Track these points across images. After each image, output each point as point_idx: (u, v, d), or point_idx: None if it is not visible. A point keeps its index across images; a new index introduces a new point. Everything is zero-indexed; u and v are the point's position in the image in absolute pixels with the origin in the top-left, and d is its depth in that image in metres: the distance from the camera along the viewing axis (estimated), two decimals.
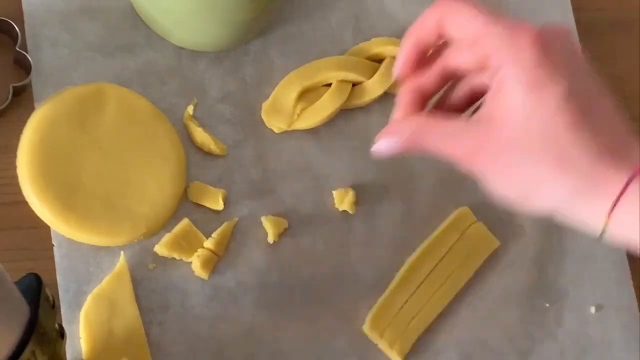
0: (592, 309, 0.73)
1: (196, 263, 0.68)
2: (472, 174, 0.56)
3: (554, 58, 0.55)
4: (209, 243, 0.68)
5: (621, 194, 0.53)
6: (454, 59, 0.58)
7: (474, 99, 0.60)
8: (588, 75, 0.57)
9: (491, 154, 0.55)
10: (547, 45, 0.55)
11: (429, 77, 0.59)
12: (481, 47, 0.56)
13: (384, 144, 0.58)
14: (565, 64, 0.55)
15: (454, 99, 0.60)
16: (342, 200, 0.71)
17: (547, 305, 0.73)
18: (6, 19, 0.69)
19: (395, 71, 0.60)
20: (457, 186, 0.74)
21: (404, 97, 0.59)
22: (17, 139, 0.67)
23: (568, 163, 0.54)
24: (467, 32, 0.57)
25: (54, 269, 0.66)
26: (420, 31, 0.59)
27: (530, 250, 0.74)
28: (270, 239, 0.70)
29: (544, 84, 0.54)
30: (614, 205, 0.53)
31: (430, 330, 0.70)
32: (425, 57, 0.59)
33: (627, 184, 0.53)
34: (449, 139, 0.56)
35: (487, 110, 0.56)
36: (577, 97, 0.55)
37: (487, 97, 0.56)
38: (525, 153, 0.54)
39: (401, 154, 0.58)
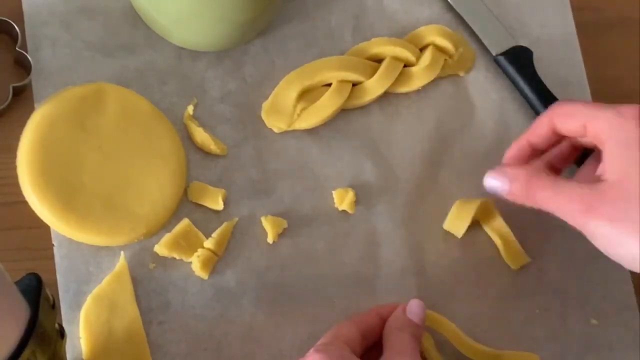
0: (593, 310, 0.73)
1: (196, 263, 0.68)
2: (583, 230, 0.61)
3: None
4: (209, 243, 0.68)
5: None
6: (564, 126, 0.64)
7: (570, 159, 0.68)
8: None
9: (608, 212, 0.60)
10: None
11: (540, 136, 0.66)
12: (591, 128, 0.62)
13: (494, 183, 0.65)
14: None
15: (553, 157, 0.68)
16: (342, 200, 0.71)
17: (549, 305, 0.73)
18: (6, 19, 0.69)
19: (504, 159, 0.68)
20: (457, 185, 0.74)
21: (513, 148, 0.67)
22: (17, 139, 0.67)
23: None
24: (576, 123, 0.64)
25: (54, 269, 0.66)
26: (534, 132, 0.66)
27: (531, 251, 0.74)
28: (270, 239, 0.70)
29: None
30: None
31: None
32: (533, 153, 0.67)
33: None
34: (560, 195, 0.62)
35: (597, 175, 0.62)
36: None
37: (602, 163, 0.62)
38: None
39: (507, 199, 0.65)
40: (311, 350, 0.62)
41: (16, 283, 0.55)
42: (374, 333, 0.66)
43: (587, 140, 0.64)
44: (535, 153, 0.67)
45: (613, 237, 0.60)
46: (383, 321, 0.66)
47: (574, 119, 0.64)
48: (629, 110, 0.61)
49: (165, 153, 0.69)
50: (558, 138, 0.66)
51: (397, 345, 0.63)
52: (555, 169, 0.68)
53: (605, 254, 0.61)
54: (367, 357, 0.65)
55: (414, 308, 0.66)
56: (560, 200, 0.62)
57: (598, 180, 0.61)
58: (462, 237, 0.72)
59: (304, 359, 0.62)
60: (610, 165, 0.61)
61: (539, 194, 0.63)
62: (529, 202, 0.64)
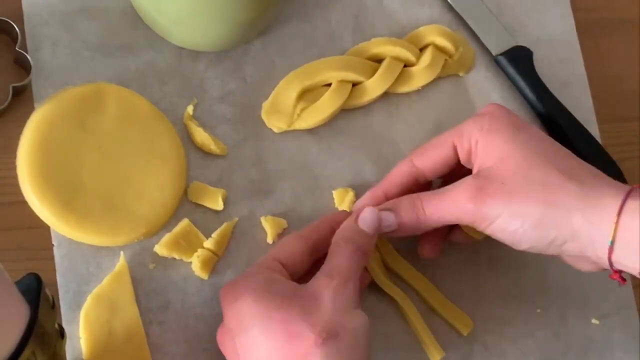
0: (593, 310, 0.73)
1: (196, 263, 0.68)
2: (478, 220, 0.61)
3: (517, 116, 0.65)
4: (208, 243, 0.68)
5: (624, 201, 0.58)
6: (426, 161, 0.66)
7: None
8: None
9: (499, 189, 0.61)
10: (505, 108, 0.65)
11: (399, 183, 0.67)
12: (460, 141, 0.64)
13: (382, 221, 0.64)
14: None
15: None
16: (342, 200, 0.71)
17: (549, 305, 0.73)
18: (6, 19, 0.69)
19: (354, 207, 0.68)
20: None
21: (367, 198, 0.67)
22: (17, 139, 0.67)
23: (575, 176, 0.60)
24: (441, 152, 0.66)
25: (54, 269, 0.66)
26: (391, 181, 0.67)
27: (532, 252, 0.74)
28: (270, 239, 0.70)
29: (524, 126, 0.63)
30: (620, 211, 0.58)
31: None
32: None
33: (628, 195, 0.58)
34: (446, 196, 0.63)
35: (477, 164, 0.63)
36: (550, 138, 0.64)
37: (479, 157, 0.63)
38: (536, 174, 0.61)
39: (397, 231, 0.64)
40: (227, 283, 0.62)
41: (16, 283, 0.55)
42: (325, 244, 0.64)
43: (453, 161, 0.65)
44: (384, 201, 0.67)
45: (512, 213, 0.60)
46: (333, 230, 0.65)
47: (438, 147, 0.65)
48: (487, 109, 0.65)
49: (165, 153, 0.69)
50: (413, 184, 0.66)
51: (334, 261, 0.62)
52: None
53: (501, 239, 0.62)
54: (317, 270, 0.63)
55: (367, 215, 0.64)
56: (449, 200, 0.63)
57: (477, 172, 0.63)
58: None
59: (233, 281, 0.62)
60: (484, 155, 0.62)
61: (427, 209, 0.63)
62: (421, 223, 0.64)
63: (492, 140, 0.63)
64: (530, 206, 0.60)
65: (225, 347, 0.62)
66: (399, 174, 0.67)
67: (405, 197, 0.65)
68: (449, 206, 0.63)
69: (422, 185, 0.67)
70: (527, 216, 0.60)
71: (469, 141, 0.64)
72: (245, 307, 0.60)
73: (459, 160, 0.65)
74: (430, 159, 0.66)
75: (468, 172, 0.65)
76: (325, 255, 0.63)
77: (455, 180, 0.64)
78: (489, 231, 0.62)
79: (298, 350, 0.57)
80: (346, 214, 0.67)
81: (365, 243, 0.63)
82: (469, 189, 0.61)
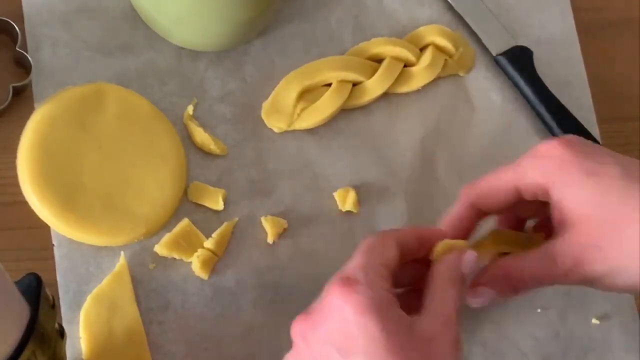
0: (593, 311, 0.73)
1: (196, 263, 0.68)
2: (583, 283, 0.58)
3: (586, 150, 0.58)
4: (209, 243, 0.68)
5: None
6: (489, 206, 0.61)
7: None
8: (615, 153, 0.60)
9: (596, 255, 0.57)
10: (572, 142, 0.59)
11: (463, 224, 0.62)
12: (526, 185, 0.59)
13: (480, 298, 0.60)
14: (598, 148, 0.59)
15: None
16: (345, 201, 0.71)
17: (549, 305, 0.73)
18: (6, 19, 0.69)
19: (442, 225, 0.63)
20: (457, 185, 0.74)
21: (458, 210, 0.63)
22: (17, 139, 0.67)
23: None
24: (504, 194, 0.60)
25: (54, 269, 0.66)
26: (452, 223, 0.62)
27: None
28: (270, 239, 0.70)
29: (598, 171, 0.57)
30: None
31: None
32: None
33: None
34: (543, 266, 0.58)
35: (557, 219, 0.58)
36: (627, 167, 0.57)
37: (556, 209, 0.58)
38: (628, 231, 0.56)
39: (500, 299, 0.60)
40: (335, 281, 0.54)
41: (16, 283, 0.55)
42: (410, 254, 0.59)
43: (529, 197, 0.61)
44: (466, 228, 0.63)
45: (612, 272, 0.58)
46: (421, 245, 0.60)
47: (498, 191, 0.61)
48: (552, 148, 0.58)
49: (165, 153, 0.69)
50: (475, 221, 0.63)
51: (443, 306, 0.56)
52: (521, 219, 0.65)
53: (615, 290, 0.59)
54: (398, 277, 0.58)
55: (470, 262, 0.59)
56: (545, 276, 0.59)
57: (564, 229, 0.58)
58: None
59: (344, 281, 0.54)
60: (569, 204, 0.58)
61: (524, 283, 0.59)
62: (518, 294, 0.60)
63: (567, 195, 0.58)
64: (629, 271, 0.57)
65: (305, 341, 0.55)
66: (459, 218, 0.62)
67: (494, 271, 0.60)
68: (548, 278, 0.59)
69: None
70: (627, 278, 0.57)
71: (535, 189, 0.59)
72: (371, 328, 0.52)
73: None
74: (493, 202, 0.61)
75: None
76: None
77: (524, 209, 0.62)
78: (599, 288, 0.59)
79: None
80: (438, 232, 0.61)
81: (462, 290, 0.59)
82: (566, 261, 0.58)
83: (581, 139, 0.60)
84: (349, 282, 0.54)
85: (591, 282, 0.58)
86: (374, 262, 0.56)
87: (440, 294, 0.57)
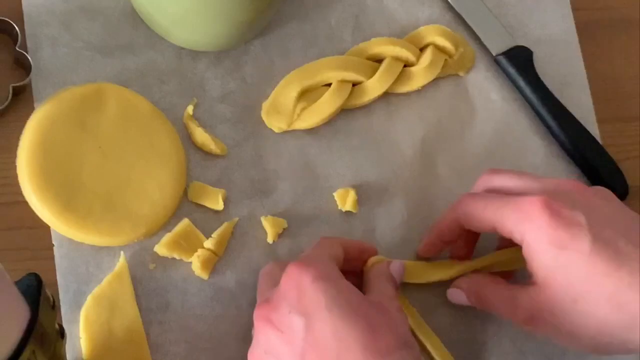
0: None
1: (196, 263, 0.68)
2: (534, 334, 0.64)
3: (566, 217, 0.60)
4: (209, 243, 0.68)
5: None
6: (472, 226, 0.66)
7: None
8: (606, 206, 0.62)
9: (547, 319, 0.61)
10: (555, 208, 0.60)
11: (449, 233, 0.68)
12: (501, 230, 0.63)
13: (455, 294, 0.68)
14: (579, 215, 0.60)
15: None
16: (345, 201, 0.71)
17: None
18: (6, 19, 0.69)
19: (418, 251, 0.71)
20: (457, 185, 0.74)
21: (426, 245, 0.70)
22: (17, 139, 0.67)
23: (624, 306, 0.58)
24: (483, 225, 0.64)
25: (54, 269, 0.66)
26: (441, 231, 0.68)
27: None
28: (270, 239, 0.70)
29: (567, 245, 0.59)
30: None
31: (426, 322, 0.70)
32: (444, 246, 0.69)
33: None
34: (506, 302, 0.63)
35: (531, 278, 0.62)
36: (603, 242, 0.59)
37: (527, 264, 0.62)
38: (583, 308, 0.59)
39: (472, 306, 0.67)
40: (294, 262, 0.60)
41: (16, 283, 0.55)
42: (351, 261, 0.66)
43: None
44: (445, 245, 0.69)
45: (562, 338, 0.62)
46: (360, 256, 0.67)
47: (479, 221, 0.64)
48: (532, 208, 0.60)
49: (165, 153, 0.69)
50: (462, 230, 0.67)
51: (383, 289, 0.63)
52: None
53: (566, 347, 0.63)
54: None
55: (397, 267, 0.67)
56: (505, 311, 0.64)
57: (530, 282, 0.62)
58: None
59: (304, 261, 0.60)
60: (534, 269, 0.61)
61: (488, 304, 0.65)
62: (487, 310, 0.66)
63: (535, 255, 0.61)
64: (581, 339, 0.61)
65: (269, 322, 0.60)
66: (448, 225, 0.67)
67: (477, 285, 0.66)
68: (505, 313, 0.64)
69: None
70: (578, 344, 0.61)
71: (512, 237, 0.63)
72: (328, 290, 0.58)
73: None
74: (473, 226, 0.65)
75: None
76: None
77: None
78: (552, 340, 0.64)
79: (378, 345, 0.56)
80: (373, 248, 0.68)
81: (395, 286, 0.66)
82: (523, 311, 0.62)
83: (565, 191, 0.62)
84: (303, 262, 0.59)
85: (547, 337, 0.63)
86: (324, 252, 0.63)
87: (378, 284, 0.64)
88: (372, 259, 0.67)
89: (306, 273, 0.58)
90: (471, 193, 0.67)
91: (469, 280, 0.67)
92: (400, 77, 0.75)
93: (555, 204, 0.60)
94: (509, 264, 0.69)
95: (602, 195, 0.63)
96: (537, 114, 0.76)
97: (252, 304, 0.68)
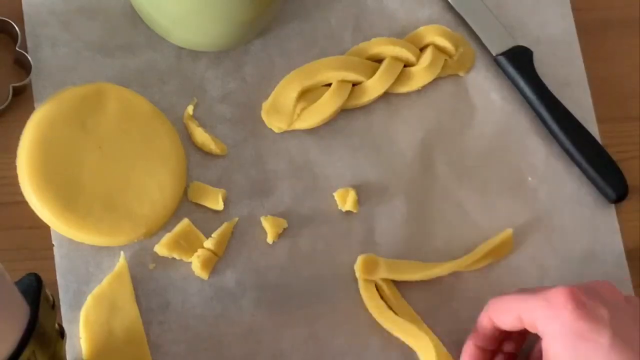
0: None
1: (196, 263, 0.68)
2: None
3: (590, 309, 0.60)
4: (209, 243, 0.68)
5: None
6: (502, 322, 0.65)
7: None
8: (632, 310, 0.62)
9: None
10: (580, 299, 0.61)
11: (485, 336, 0.67)
12: (526, 320, 0.63)
13: None
14: (603, 309, 0.60)
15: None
16: (345, 201, 0.71)
17: None
18: (6, 19, 0.69)
19: None
20: (457, 185, 0.74)
21: (465, 355, 0.68)
22: (17, 139, 0.67)
23: None
24: (510, 317, 0.64)
25: (54, 269, 0.66)
26: (478, 335, 0.67)
27: (530, 251, 0.74)
28: (270, 239, 0.70)
29: (587, 337, 0.60)
30: None
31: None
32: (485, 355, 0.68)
33: None
34: None
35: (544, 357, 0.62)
36: (623, 338, 0.60)
37: (544, 355, 0.62)
38: None
39: None
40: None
41: (16, 283, 0.55)
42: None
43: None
44: (486, 354, 0.68)
45: None
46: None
47: (508, 312, 0.64)
48: (557, 297, 0.61)
49: (165, 153, 0.69)
50: (504, 334, 0.67)
51: None
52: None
53: None
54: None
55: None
56: None
57: None
58: None
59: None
60: (550, 356, 0.61)
61: None
62: None
63: (552, 344, 0.61)
64: None
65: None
66: (482, 327, 0.67)
67: None
68: None
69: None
70: None
71: (535, 328, 0.63)
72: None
73: None
74: (501, 322, 0.65)
75: None
76: None
77: None
78: None
79: None
80: None
81: None
82: None
83: (594, 287, 0.63)
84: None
85: None
86: None
87: None
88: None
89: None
90: (505, 293, 0.67)
91: None
92: (400, 77, 0.75)
93: (582, 296, 0.61)
94: (498, 252, 0.69)
95: (632, 300, 0.64)
96: (537, 114, 0.76)
97: (252, 304, 0.68)
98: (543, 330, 0.62)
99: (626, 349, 0.59)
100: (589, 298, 0.61)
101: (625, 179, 0.75)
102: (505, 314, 0.65)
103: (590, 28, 0.80)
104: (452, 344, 0.69)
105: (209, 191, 0.70)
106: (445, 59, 0.76)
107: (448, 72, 0.76)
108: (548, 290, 0.62)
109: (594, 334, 0.60)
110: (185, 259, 0.68)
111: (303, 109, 0.72)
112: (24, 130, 0.67)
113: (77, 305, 0.66)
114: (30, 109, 0.68)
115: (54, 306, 0.58)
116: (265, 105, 0.72)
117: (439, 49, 0.76)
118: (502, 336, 0.68)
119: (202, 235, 0.69)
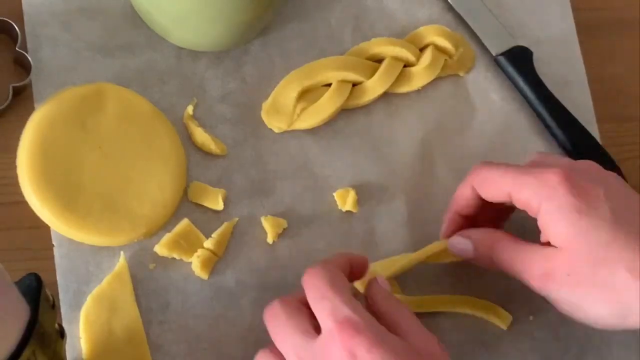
0: None
1: (196, 263, 0.68)
2: (545, 295, 0.62)
3: (585, 187, 0.61)
4: (208, 243, 0.68)
5: None
6: (487, 194, 0.65)
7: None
8: (621, 185, 0.64)
9: (564, 279, 0.61)
10: (574, 179, 0.61)
11: (467, 205, 0.67)
12: (517, 197, 0.63)
13: (460, 246, 0.66)
14: (598, 187, 0.61)
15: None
16: (345, 201, 0.71)
17: (548, 305, 0.73)
18: (6, 19, 0.69)
19: (441, 235, 0.69)
20: (457, 185, 0.74)
21: (446, 223, 0.68)
22: (17, 139, 0.67)
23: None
24: (499, 192, 0.64)
25: (54, 269, 0.66)
26: (459, 204, 0.67)
27: None
28: (270, 239, 0.70)
29: (587, 212, 0.60)
30: None
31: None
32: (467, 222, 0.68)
33: None
34: (521, 257, 0.63)
35: (544, 236, 0.62)
36: (621, 213, 0.61)
37: (542, 233, 0.62)
38: (602, 272, 0.60)
39: (472, 260, 0.66)
40: (334, 326, 0.56)
41: (16, 283, 0.55)
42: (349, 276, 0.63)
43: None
44: (468, 221, 0.68)
45: (574, 302, 0.61)
46: (353, 270, 0.63)
47: (496, 187, 0.64)
48: (552, 176, 0.61)
49: (165, 153, 0.69)
50: (486, 202, 0.67)
51: (416, 327, 0.60)
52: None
53: (570, 316, 0.63)
54: None
55: (385, 283, 0.63)
56: (519, 266, 0.63)
57: (548, 245, 0.62)
58: None
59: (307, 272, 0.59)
60: (552, 234, 0.61)
61: (501, 258, 0.64)
62: (491, 266, 0.65)
63: (553, 222, 0.61)
64: (597, 305, 0.61)
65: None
66: (464, 194, 0.67)
67: (490, 238, 0.65)
68: (519, 272, 0.63)
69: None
70: (590, 311, 0.61)
71: (524, 205, 0.63)
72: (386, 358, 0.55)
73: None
74: (488, 193, 0.65)
75: None
76: None
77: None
78: (558, 308, 0.63)
79: None
80: (365, 262, 0.64)
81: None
82: (539, 267, 0.62)
83: (583, 169, 0.63)
84: (349, 324, 0.56)
85: (552, 300, 0.63)
86: (348, 293, 0.58)
87: (401, 318, 0.60)
88: (367, 277, 0.64)
89: (359, 341, 0.55)
90: (488, 161, 0.67)
91: (481, 231, 0.66)
92: (400, 77, 0.75)
93: (576, 177, 0.61)
94: (442, 256, 0.69)
95: (616, 176, 0.65)
96: (537, 114, 0.76)
97: (252, 304, 0.68)
98: (539, 208, 0.62)
99: (627, 222, 0.60)
100: (582, 177, 0.62)
101: (626, 179, 0.75)
102: (492, 188, 0.64)
103: (590, 28, 0.80)
104: (452, 344, 0.69)
105: (209, 191, 0.70)
106: (445, 59, 0.76)
107: (448, 72, 0.76)
108: (541, 170, 0.62)
109: (592, 210, 0.60)
110: (185, 259, 0.68)
111: (303, 109, 0.72)
112: (24, 130, 0.67)
113: (77, 305, 0.66)
114: (30, 109, 0.68)
115: (54, 306, 0.58)
116: (265, 105, 0.72)
117: (439, 49, 0.76)
118: (483, 203, 0.67)
119: (202, 235, 0.69)
